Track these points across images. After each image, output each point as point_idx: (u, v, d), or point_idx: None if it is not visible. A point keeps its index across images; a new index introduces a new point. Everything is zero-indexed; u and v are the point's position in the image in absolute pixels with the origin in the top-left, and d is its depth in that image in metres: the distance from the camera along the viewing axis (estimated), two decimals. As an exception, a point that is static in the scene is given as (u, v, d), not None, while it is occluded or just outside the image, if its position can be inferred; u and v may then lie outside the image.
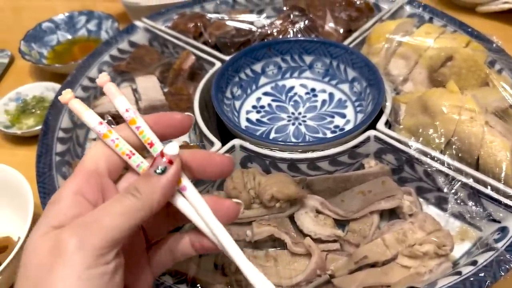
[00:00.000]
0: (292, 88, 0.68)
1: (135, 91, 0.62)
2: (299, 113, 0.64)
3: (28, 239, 0.30)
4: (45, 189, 0.51)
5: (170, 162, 0.31)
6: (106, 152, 0.33)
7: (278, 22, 0.70)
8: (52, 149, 0.56)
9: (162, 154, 0.31)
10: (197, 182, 0.51)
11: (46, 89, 0.75)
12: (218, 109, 0.58)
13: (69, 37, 0.87)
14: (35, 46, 0.83)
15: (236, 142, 0.54)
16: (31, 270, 0.28)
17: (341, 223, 0.50)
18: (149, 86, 0.62)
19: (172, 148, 0.31)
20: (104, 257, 0.28)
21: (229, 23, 0.73)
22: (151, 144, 0.33)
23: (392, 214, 0.51)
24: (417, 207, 0.50)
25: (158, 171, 0.31)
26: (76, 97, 0.63)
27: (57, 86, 0.74)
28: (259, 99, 0.66)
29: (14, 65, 0.87)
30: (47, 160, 0.55)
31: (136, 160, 0.33)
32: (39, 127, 0.68)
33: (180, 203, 0.33)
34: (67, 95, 0.34)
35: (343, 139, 0.53)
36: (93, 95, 0.66)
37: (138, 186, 0.30)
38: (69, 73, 0.67)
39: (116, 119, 0.57)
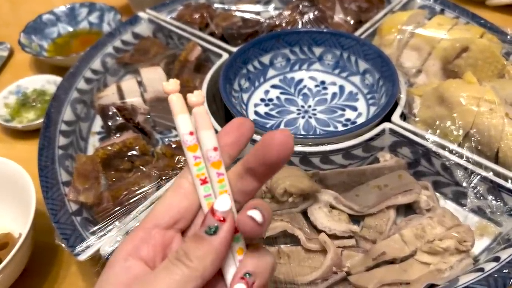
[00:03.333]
0: (301, 80, 0.66)
1: (140, 83, 0.60)
2: (309, 106, 0.62)
3: None
4: (48, 183, 0.49)
5: (223, 220, 0.27)
6: (174, 203, 0.29)
7: (286, 13, 0.68)
8: (54, 142, 0.54)
9: (212, 212, 0.27)
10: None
11: (47, 82, 0.73)
12: (227, 101, 0.56)
13: (70, 29, 0.85)
14: (35, 38, 0.81)
15: (245, 134, 0.52)
16: None
17: (356, 219, 0.48)
18: (155, 77, 0.59)
19: (224, 203, 0.27)
20: None
21: (236, 13, 0.71)
22: (204, 181, 0.28)
23: (408, 209, 0.50)
24: (434, 202, 0.49)
25: (209, 231, 0.27)
26: (78, 89, 0.62)
27: (59, 79, 0.72)
28: (267, 91, 0.65)
29: (14, 58, 0.85)
30: (49, 153, 0.53)
31: (208, 190, 0.28)
32: (40, 120, 0.66)
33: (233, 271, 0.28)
34: (172, 86, 0.28)
35: (357, 131, 0.51)
36: (96, 87, 0.64)
37: (188, 251, 0.26)
38: (71, 66, 0.65)
39: (122, 111, 0.55)
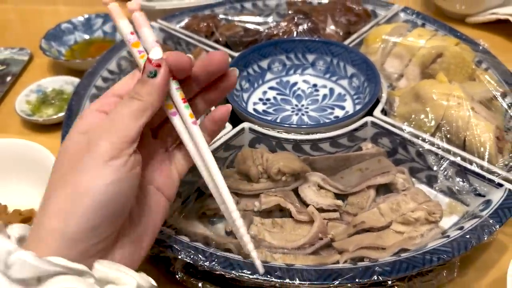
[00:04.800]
0: (295, 83, 0.73)
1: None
2: (302, 105, 0.69)
3: (60, 145, 0.37)
4: (71, 162, 0.56)
5: (158, 66, 0.36)
6: (130, 82, 0.38)
7: (283, 24, 0.77)
8: (75, 129, 0.61)
9: (149, 61, 0.36)
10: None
11: (65, 82, 0.81)
12: (229, 96, 0.63)
13: (86, 37, 0.93)
14: (54, 44, 0.89)
15: (245, 125, 0.59)
16: (63, 165, 0.35)
17: (340, 198, 0.55)
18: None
19: (157, 53, 0.36)
20: (124, 151, 0.34)
21: (238, 24, 0.79)
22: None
23: (387, 190, 0.56)
24: (409, 184, 0.55)
25: (150, 75, 0.35)
26: (96, 86, 0.69)
27: (76, 80, 0.79)
28: (265, 92, 0.72)
29: (33, 63, 0.92)
30: (71, 138, 0.59)
31: None
32: (59, 115, 0.73)
33: (176, 121, 0.39)
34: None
35: (344, 123, 0.58)
36: (112, 85, 0.71)
37: (138, 91, 0.35)
38: (86, 69, 0.72)
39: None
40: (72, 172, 0.34)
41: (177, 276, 0.48)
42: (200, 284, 0.48)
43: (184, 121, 0.39)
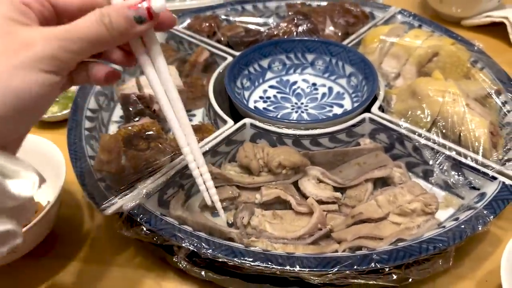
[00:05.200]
0: (295, 82, 0.75)
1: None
2: (302, 103, 0.71)
3: None
4: (76, 156, 0.57)
5: (150, 16, 0.32)
6: None
7: (283, 25, 0.78)
8: (81, 125, 0.62)
9: (148, 2, 0.32)
10: (212, 153, 0.58)
11: (69, 81, 0.82)
12: (231, 93, 0.65)
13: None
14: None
15: (247, 121, 0.61)
16: None
17: (339, 191, 0.56)
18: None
19: (161, 2, 0.32)
20: (63, 72, 0.32)
21: (239, 24, 0.81)
22: None
23: (384, 184, 0.58)
24: (406, 178, 0.57)
25: (138, 19, 0.32)
26: (101, 84, 0.71)
27: (80, 78, 0.81)
28: (265, 91, 0.74)
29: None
30: (77, 133, 0.61)
31: None
32: (63, 112, 0.75)
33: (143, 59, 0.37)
34: None
35: (342, 119, 0.60)
36: (116, 83, 0.73)
37: (114, 22, 0.31)
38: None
39: (141, 99, 0.63)
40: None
41: (180, 265, 0.49)
42: (202, 273, 0.49)
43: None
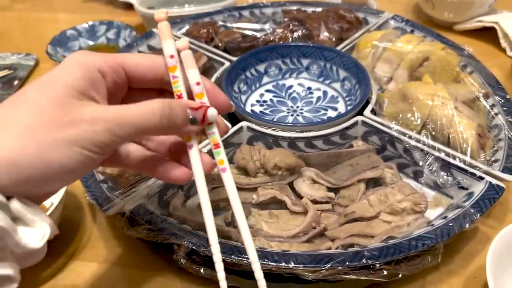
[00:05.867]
0: (291, 86, 0.77)
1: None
2: (297, 107, 0.73)
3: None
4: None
5: (203, 121, 0.34)
6: (151, 61, 0.35)
7: (279, 30, 0.81)
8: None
9: (205, 111, 0.34)
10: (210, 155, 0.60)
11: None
12: (228, 96, 0.67)
13: (90, 43, 0.97)
14: (60, 50, 0.93)
15: (244, 124, 0.63)
16: (40, 92, 0.31)
17: (333, 191, 0.58)
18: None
19: (214, 113, 0.34)
20: (103, 153, 0.31)
21: (236, 30, 0.83)
22: (179, 97, 0.34)
23: (376, 185, 0.60)
24: (397, 178, 0.59)
25: (192, 119, 0.33)
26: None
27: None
28: (262, 95, 0.76)
29: (39, 67, 0.96)
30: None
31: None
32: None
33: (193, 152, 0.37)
34: (161, 15, 0.34)
35: (336, 121, 0.62)
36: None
37: (172, 116, 0.32)
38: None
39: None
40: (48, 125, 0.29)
41: (180, 263, 0.51)
42: (201, 270, 0.51)
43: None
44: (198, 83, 0.35)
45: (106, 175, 0.58)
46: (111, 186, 0.57)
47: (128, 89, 0.37)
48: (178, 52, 0.35)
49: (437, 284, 0.54)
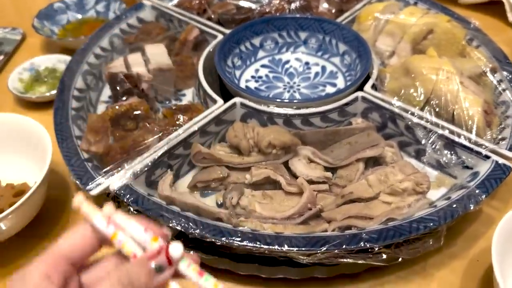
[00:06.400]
0: (287, 61, 0.74)
1: (143, 54, 0.68)
2: (294, 83, 0.69)
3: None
4: (62, 136, 0.56)
5: (170, 263, 0.30)
6: (85, 238, 0.32)
7: (275, 2, 0.77)
8: (68, 105, 0.61)
9: (166, 253, 0.30)
10: (201, 133, 0.57)
11: (58, 61, 0.81)
12: (221, 72, 0.63)
13: (79, 17, 0.93)
14: (47, 23, 0.88)
15: (237, 100, 0.60)
16: None
17: (330, 171, 0.55)
18: (158, 52, 0.67)
19: (178, 249, 0.30)
20: None
21: (230, 2, 0.79)
22: (135, 256, 0.31)
23: (376, 164, 0.57)
24: (398, 157, 0.56)
25: (157, 267, 0.29)
26: (88, 63, 0.69)
27: (69, 58, 0.79)
28: (257, 70, 0.72)
29: (26, 42, 0.92)
30: (63, 113, 0.60)
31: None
32: (52, 92, 0.74)
33: None
34: (79, 199, 0.33)
35: (334, 97, 0.59)
36: (104, 62, 0.71)
37: (135, 280, 0.29)
38: (79, 47, 0.72)
39: (128, 78, 0.62)
40: None
41: (169, 246, 0.49)
42: (191, 253, 0.48)
43: None
44: (145, 230, 0.31)
45: (91, 153, 0.55)
46: (96, 165, 0.54)
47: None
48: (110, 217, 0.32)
49: (439, 267, 0.52)
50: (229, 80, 0.62)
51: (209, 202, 0.54)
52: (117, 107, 0.58)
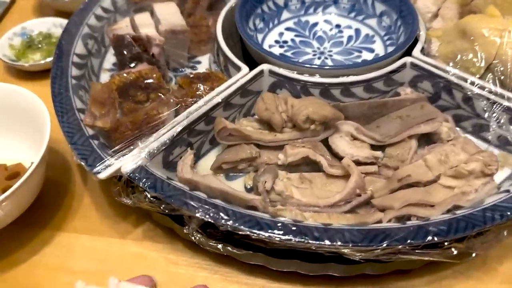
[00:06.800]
0: (315, 24, 0.65)
1: (152, 15, 0.59)
2: (325, 48, 0.61)
3: None
4: (62, 108, 0.48)
5: None
6: None
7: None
8: (67, 72, 0.52)
9: None
10: (225, 105, 0.48)
11: (53, 25, 0.71)
12: (243, 33, 0.55)
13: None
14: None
15: (264, 67, 0.51)
16: None
17: (376, 149, 0.48)
18: (169, 12, 0.58)
19: None
20: None
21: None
22: None
23: (428, 141, 0.49)
24: (455, 133, 0.48)
25: None
26: (89, 25, 0.60)
27: (66, 22, 0.69)
28: (281, 34, 0.63)
29: (16, 4, 0.82)
30: (62, 82, 0.51)
31: None
32: (47, 60, 0.65)
33: None
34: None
35: (377, 64, 0.51)
36: (107, 24, 0.62)
37: None
38: (75, 10, 0.62)
39: (137, 41, 0.53)
40: None
41: (193, 238, 0.41)
42: (219, 246, 0.41)
43: None
44: None
45: (97, 129, 0.47)
46: (103, 142, 0.46)
47: None
48: None
49: (501, 260, 0.45)
50: (254, 44, 0.53)
51: (236, 186, 0.46)
52: (125, 74, 0.50)
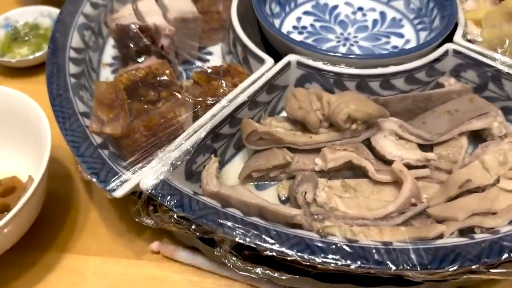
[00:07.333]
0: (335, 7, 0.59)
1: (157, 1, 0.52)
2: (349, 34, 0.55)
3: None
4: (63, 113, 0.41)
5: None
6: None
7: None
8: (65, 70, 0.46)
9: None
10: (251, 104, 0.42)
11: (40, 14, 0.64)
12: (263, 20, 0.48)
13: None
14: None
15: (292, 58, 0.45)
16: None
17: (422, 149, 0.43)
18: (177, -2, 0.51)
19: None
20: None
21: None
22: None
23: (478, 139, 0.44)
24: (507, 128, 0.44)
25: None
26: (85, 14, 0.53)
27: (55, 11, 0.62)
28: (299, 18, 0.57)
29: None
30: (60, 81, 0.44)
31: None
32: (37, 55, 0.58)
33: None
34: None
35: (422, 51, 0.45)
36: (103, 12, 0.55)
37: None
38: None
39: (145, 32, 0.47)
40: None
41: (226, 261, 0.36)
42: (258, 270, 0.36)
43: None
44: None
45: (104, 136, 0.41)
46: (113, 152, 0.40)
47: None
48: None
49: None
50: (277, 32, 0.47)
51: (268, 196, 0.40)
52: (133, 71, 0.43)
